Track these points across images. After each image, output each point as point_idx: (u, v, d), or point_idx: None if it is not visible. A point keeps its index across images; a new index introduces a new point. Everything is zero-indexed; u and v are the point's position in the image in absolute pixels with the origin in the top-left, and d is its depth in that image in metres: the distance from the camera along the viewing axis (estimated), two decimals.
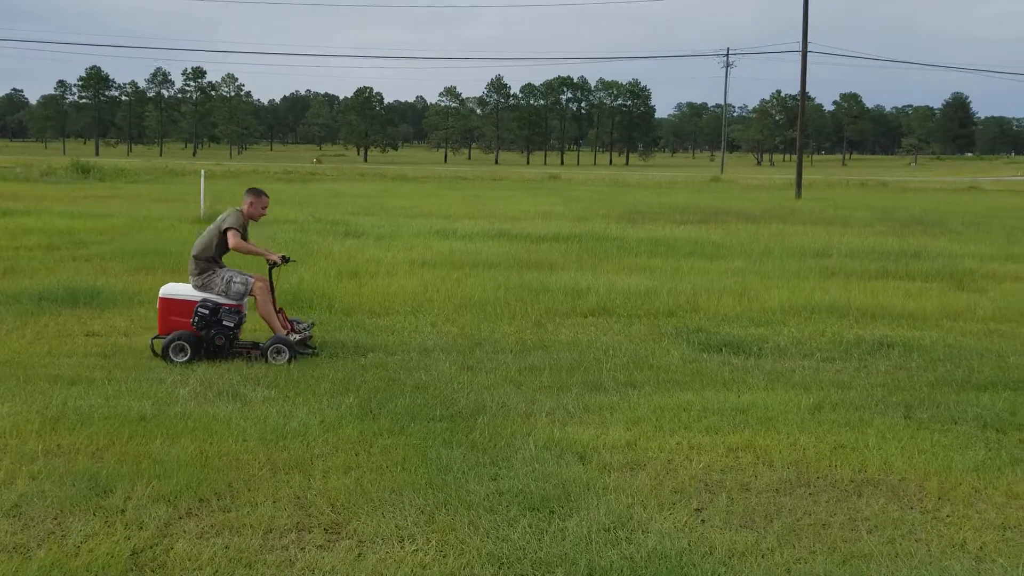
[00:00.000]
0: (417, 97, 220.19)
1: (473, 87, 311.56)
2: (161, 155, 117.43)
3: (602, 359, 7.95)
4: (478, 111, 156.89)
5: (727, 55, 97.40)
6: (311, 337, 8.00)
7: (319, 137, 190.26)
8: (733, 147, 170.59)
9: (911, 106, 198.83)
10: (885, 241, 18.56)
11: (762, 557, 4.09)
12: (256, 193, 8.16)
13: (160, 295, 7.78)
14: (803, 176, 43.17)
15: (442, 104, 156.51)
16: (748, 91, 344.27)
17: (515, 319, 9.75)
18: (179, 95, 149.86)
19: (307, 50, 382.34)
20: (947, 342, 8.99)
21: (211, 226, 7.98)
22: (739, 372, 7.63)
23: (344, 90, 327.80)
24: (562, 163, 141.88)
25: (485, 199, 32.68)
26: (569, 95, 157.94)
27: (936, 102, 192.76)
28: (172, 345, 7.42)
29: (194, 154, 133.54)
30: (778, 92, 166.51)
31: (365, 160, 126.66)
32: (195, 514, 4.46)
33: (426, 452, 5.36)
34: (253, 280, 7.84)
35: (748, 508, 4.67)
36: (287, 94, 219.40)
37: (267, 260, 7.96)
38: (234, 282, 7.72)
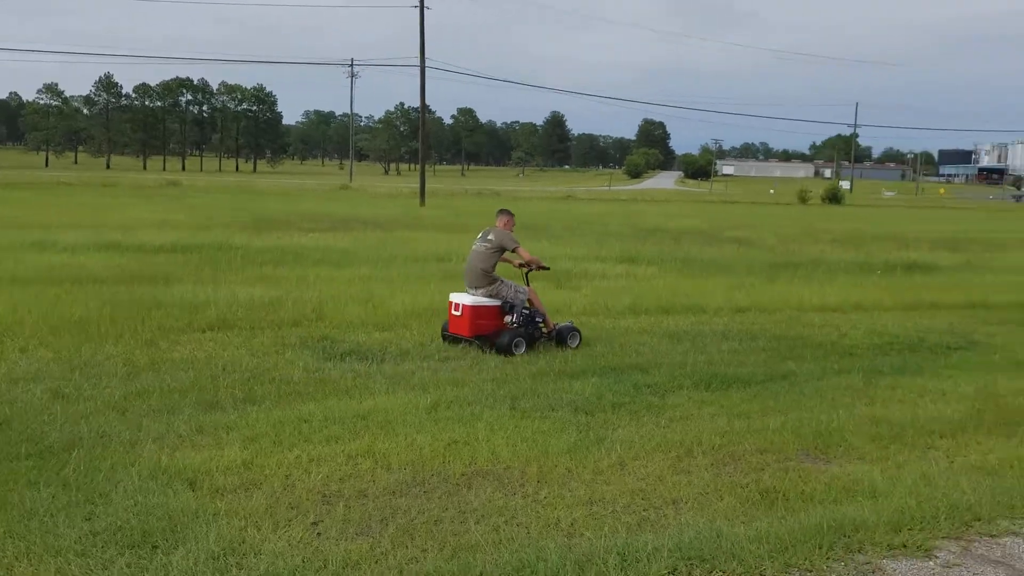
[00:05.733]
0: (11, 93, 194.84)
1: (78, 84, 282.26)
2: None
3: (219, 376, 7.58)
4: (85, 111, 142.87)
5: (352, 65, 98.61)
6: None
7: None
8: (361, 156, 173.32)
9: (518, 122, 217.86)
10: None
11: (376, 562, 4.13)
12: (509, 213, 9.82)
13: (466, 304, 9.20)
14: (426, 185, 45.10)
15: (42, 102, 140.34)
16: (374, 102, 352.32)
17: (123, 339, 8.96)
18: None
19: None
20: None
21: (485, 246, 9.36)
22: (362, 378, 7.70)
23: None
24: (184, 169, 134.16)
25: (93, 207, 29.84)
26: (189, 97, 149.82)
27: (539, 119, 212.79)
28: (514, 342, 8.96)
29: None
30: (401, 104, 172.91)
31: None
32: None
33: (6, 497, 4.70)
34: (526, 288, 9.58)
35: (365, 515, 4.70)
36: None
37: (539, 267, 9.77)
38: (518, 291, 9.49)
